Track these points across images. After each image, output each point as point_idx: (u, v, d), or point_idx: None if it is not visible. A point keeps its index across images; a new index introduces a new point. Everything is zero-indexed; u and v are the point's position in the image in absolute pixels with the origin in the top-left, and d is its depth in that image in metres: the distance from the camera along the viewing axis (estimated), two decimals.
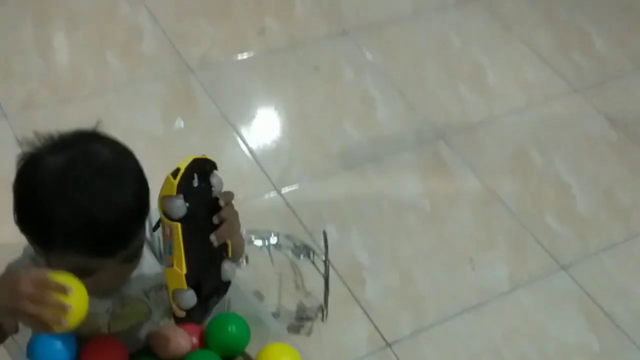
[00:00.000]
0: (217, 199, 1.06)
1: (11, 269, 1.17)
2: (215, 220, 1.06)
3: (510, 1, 2.57)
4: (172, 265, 1.02)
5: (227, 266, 1.09)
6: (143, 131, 1.97)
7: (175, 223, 1.01)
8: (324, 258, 1.56)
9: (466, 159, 2.03)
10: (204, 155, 1.06)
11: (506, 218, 1.91)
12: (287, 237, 1.61)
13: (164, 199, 1.01)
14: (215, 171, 1.07)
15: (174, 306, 1.05)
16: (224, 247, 1.09)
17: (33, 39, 2.16)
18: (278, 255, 1.62)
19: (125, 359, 1.23)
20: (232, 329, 1.29)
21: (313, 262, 1.59)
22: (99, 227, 1.01)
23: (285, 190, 1.89)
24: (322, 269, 1.58)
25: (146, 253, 1.22)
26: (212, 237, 1.06)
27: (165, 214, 1.01)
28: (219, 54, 2.22)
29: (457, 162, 2.03)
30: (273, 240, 1.57)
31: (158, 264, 1.24)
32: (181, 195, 1.00)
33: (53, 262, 1.08)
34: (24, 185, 1.04)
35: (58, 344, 1.17)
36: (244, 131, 2.02)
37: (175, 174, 1.00)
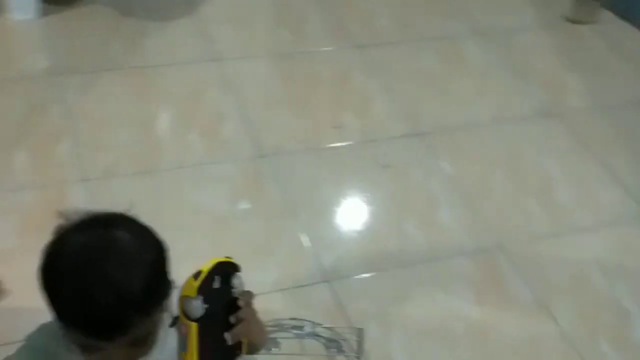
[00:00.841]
0: (236, 298, 1.11)
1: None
2: (232, 319, 1.11)
3: (589, 119, 2.57)
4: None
5: None
6: (208, 210, 2.05)
7: (192, 323, 1.06)
8: (356, 356, 1.57)
9: (523, 272, 2.01)
10: (229, 258, 1.11)
11: (557, 339, 1.87)
12: (323, 327, 1.63)
13: (183, 299, 1.07)
14: (237, 273, 1.12)
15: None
16: (238, 344, 1.13)
17: (124, 113, 2.31)
18: (312, 345, 1.64)
19: None
20: None
21: (346, 357, 1.60)
22: (95, 310, 1.06)
23: (335, 281, 1.92)
24: None
25: (169, 341, 1.28)
26: (227, 336, 1.11)
27: (184, 312, 1.07)
28: (293, 144, 2.31)
29: (513, 275, 2.01)
30: (308, 328, 1.59)
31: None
32: (201, 297, 1.06)
33: (67, 337, 1.14)
34: (45, 255, 1.11)
35: None
36: (304, 219, 2.07)
37: (196, 275, 1.07)
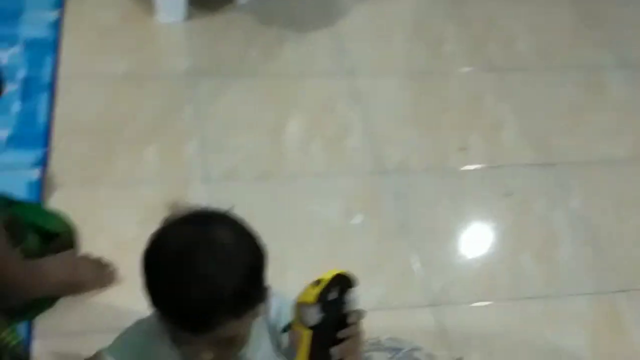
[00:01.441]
0: (346, 315, 1.11)
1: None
2: (340, 335, 1.11)
3: None
4: None
5: None
6: (322, 221, 2.06)
7: (306, 330, 1.08)
8: None
9: None
10: (347, 272, 1.12)
11: None
12: (422, 352, 1.59)
13: (301, 305, 1.09)
14: (353, 288, 1.12)
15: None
16: None
17: (252, 118, 2.36)
18: None
19: None
20: None
21: None
22: (186, 303, 1.09)
23: (441, 306, 1.87)
24: None
25: (263, 344, 1.29)
26: (334, 350, 1.10)
27: (300, 319, 1.09)
28: (416, 163, 2.28)
29: (634, 321, 1.88)
30: (405, 350, 1.55)
31: (275, 352, 1.30)
32: (318, 305, 1.08)
33: (162, 324, 1.18)
34: (149, 243, 1.15)
35: None
36: (418, 240, 2.03)
37: (316, 283, 1.09)
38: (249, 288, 1.13)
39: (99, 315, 1.75)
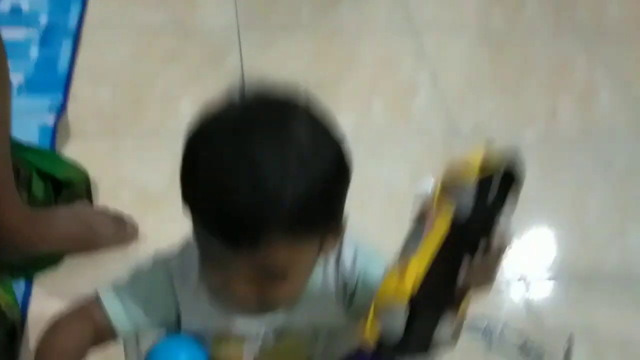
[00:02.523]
0: (495, 222, 0.78)
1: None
2: (481, 244, 0.78)
3: None
4: (403, 264, 0.75)
5: (447, 325, 0.78)
6: (385, 183, 1.73)
7: (450, 209, 0.75)
8: None
9: None
10: (518, 167, 0.79)
11: None
12: (518, 332, 1.24)
13: (455, 177, 0.76)
14: (516, 191, 0.79)
15: (368, 326, 0.75)
16: (460, 295, 0.78)
17: (301, 74, 2.02)
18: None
19: None
20: None
21: None
22: (231, 201, 0.78)
23: (535, 288, 1.52)
24: None
25: (330, 289, 0.96)
26: (462, 271, 0.77)
27: (446, 192, 0.76)
28: (496, 126, 1.93)
29: None
30: (498, 329, 1.20)
31: (341, 310, 0.97)
32: (476, 189, 0.75)
33: (194, 235, 0.87)
34: (199, 117, 0.84)
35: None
36: None
37: (478, 160, 0.76)
38: (318, 203, 0.80)
39: (112, 277, 1.43)
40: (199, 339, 0.95)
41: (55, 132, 1.71)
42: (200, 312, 0.94)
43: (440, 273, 0.75)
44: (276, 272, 0.83)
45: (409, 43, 2.20)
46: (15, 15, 2.09)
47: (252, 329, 0.94)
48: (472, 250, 0.77)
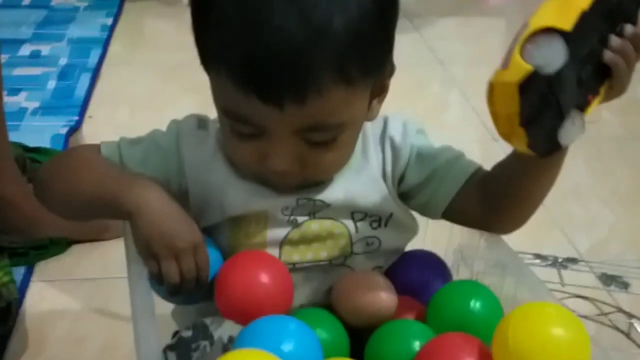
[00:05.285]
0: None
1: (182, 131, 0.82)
2: (628, 30, 0.68)
3: None
4: None
5: (577, 120, 0.66)
6: None
7: None
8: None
9: None
10: None
11: None
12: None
13: None
14: None
15: (515, 54, 0.62)
16: (596, 83, 0.68)
17: None
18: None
19: (288, 296, 0.78)
20: (475, 305, 0.77)
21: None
22: (269, 40, 0.64)
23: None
24: None
25: (373, 165, 0.81)
26: (614, 43, 0.67)
27: None
28: None
29: None
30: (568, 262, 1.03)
31: (386, 189, 0.82)
32: None
33: (217, 104, 0.73)
34: None
35: None
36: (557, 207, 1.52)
37: None
38: (372, 34, 0.68)
39: (118, 264, 1.28)
40: (209, 217, 0.80)
41: (67, 140, 1.62)
42: (212, 182, 0.79)
43: (595, 27, 0.65)
44: (325, 129, 0.70)
45: (436, 72, 2.13)
46: (34, 59, 2.06)
47: (277, 201, 0.79)
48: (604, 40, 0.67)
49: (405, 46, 2.31)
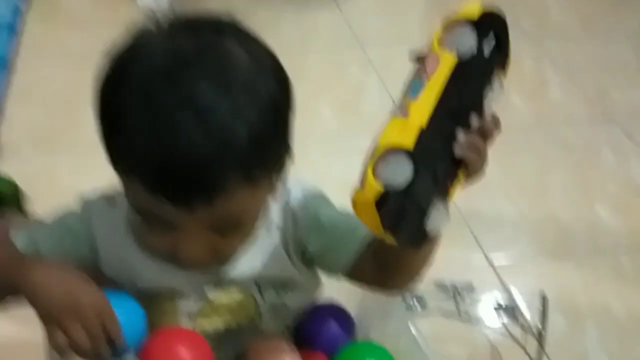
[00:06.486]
0: (484, 106, 0.73)
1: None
2: (473, 123, 0.71)
3: None
4: (404, 113, 0.68)
5: (441, 208, 0.71)
6: (340, 179, 1.60)
7: (448, 55, 0.69)
8: (539, 326, 1.06)
9: None
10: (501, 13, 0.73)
11: None
12: (487, 295, 1.14)
13: (450, 24, 0.71)
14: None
15: (369, 175, 0.67)
16: (453, 173, 0.72)
17: None
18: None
19: None
20: None
21: (522, 327, 1.09)
22: (175, 149, 0.67)
23: (502, 262, 1.43)
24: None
25: (274, 237, 0.86)
26: (461, 139, 0.70)
27: (442, 39, 0.70)
28: None
29: None
30: (467, 290, 1.11)
31: (287, 259, 0.87)
32: (474, 31, 0.70)
33: (128, 199, 0.76)
34: (114, 59, 0.73)
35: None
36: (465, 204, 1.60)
37: (476, 7, 0.71)
38: (272, 133, 0.71)
39: None
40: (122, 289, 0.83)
41: None
42: (123, 258, 0.82)
43: (440, 128, 0.69)
44: (232, 222, 0.74)
45: (353, 54, 2.16)
46: None
47: (187, 282, 0.83)
48: (465, 124, 0.71)
49: (326, 27, 2.35)
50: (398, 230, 0.69)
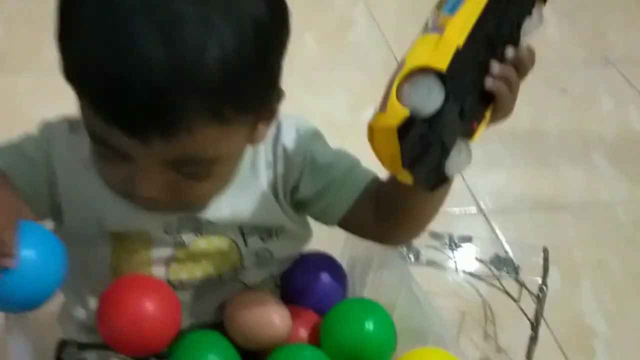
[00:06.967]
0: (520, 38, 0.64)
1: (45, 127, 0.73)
2: (509, 54, 0.63)
3: None
4: (439, 29, 0.58)
5: (463, 149, 0.62)
6: (325, 115, 1.53)
7: None
8: (540, 282, 0.98)
9: None
10: None
11: None
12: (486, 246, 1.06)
13: None
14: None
15: (392, 97, 0.56)
16: (480, 109, 0.63)
17: None
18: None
19: (175, 322, 0.74)
20: (369, 326, 0.76)
21: (522, 285, 1.01)
22: (126, 75, 0.56)
23: (498, 218, 1.35)
24: (531, 314, 1.01)
25: (261, 179, 0.75)
26: (495, 69, 0.62)
27: None
28: None
29: None
30: (463, 242, 1.02)
31: (276, 203, 0.76)
32: None
33: (84, 124, 0.64)
34: None
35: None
36: None
37: None
38: (249, 65, 0.59)
39: None
40: (86, 231, 0.73)
41: None
42: (87, 194, 0.71)
43: (475, 53, 0.60)
44: (196, 163, 0.63)
45: None
46: None
47: (159, 224, 0.73)
48: (499, 54, 0.63)
49: None
50: (417, 166, 0.60)
